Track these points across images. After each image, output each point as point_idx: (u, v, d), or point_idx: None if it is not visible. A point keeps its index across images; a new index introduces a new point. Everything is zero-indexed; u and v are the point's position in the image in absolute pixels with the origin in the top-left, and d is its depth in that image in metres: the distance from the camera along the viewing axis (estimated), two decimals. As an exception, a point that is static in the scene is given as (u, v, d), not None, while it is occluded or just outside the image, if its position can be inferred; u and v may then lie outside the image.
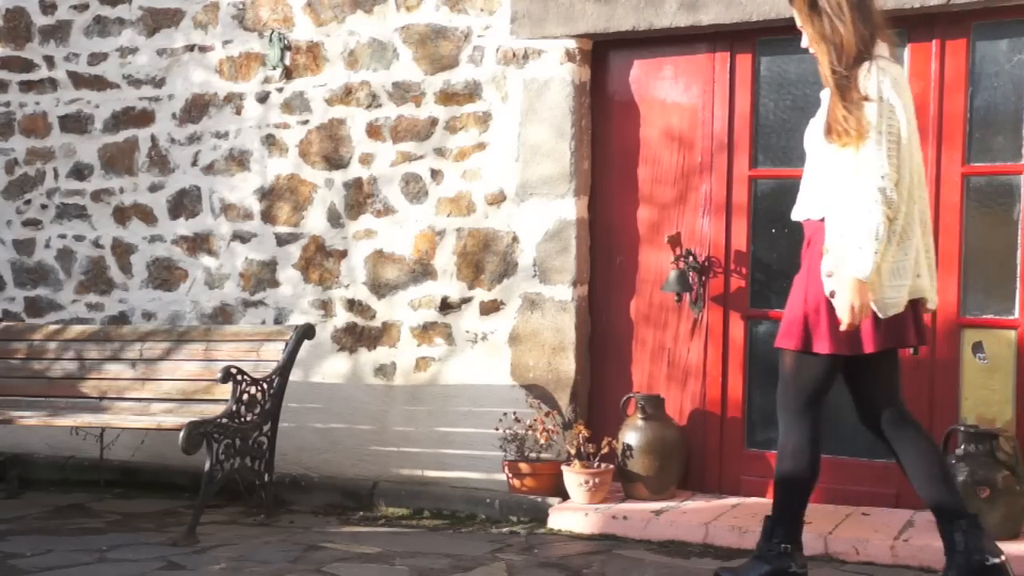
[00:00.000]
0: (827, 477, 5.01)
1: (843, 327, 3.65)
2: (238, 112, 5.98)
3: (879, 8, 3.87)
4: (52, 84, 6.39)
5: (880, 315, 3.68)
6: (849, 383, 3.96)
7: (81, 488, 5.89)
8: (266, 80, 5.91)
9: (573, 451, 5.11)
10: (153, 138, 6.18)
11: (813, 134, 3.87)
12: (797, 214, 3.95)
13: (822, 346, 3.74)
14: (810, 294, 3.77)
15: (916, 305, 3.80)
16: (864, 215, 3.60)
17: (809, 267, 3.82)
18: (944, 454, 3.87)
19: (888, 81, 3.67)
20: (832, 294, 3.69)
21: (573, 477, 5.06)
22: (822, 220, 3.78)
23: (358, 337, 5.72)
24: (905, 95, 3.72)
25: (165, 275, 6.17)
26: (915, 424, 3.88)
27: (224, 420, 4.91)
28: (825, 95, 3.81)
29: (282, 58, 5.86)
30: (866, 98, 3.64)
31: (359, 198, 5.71)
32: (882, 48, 3.79)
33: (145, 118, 6.19)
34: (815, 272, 3.77)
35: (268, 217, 5.93)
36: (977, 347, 4.83)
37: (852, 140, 3.64)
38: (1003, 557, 3.68)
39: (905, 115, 3.67)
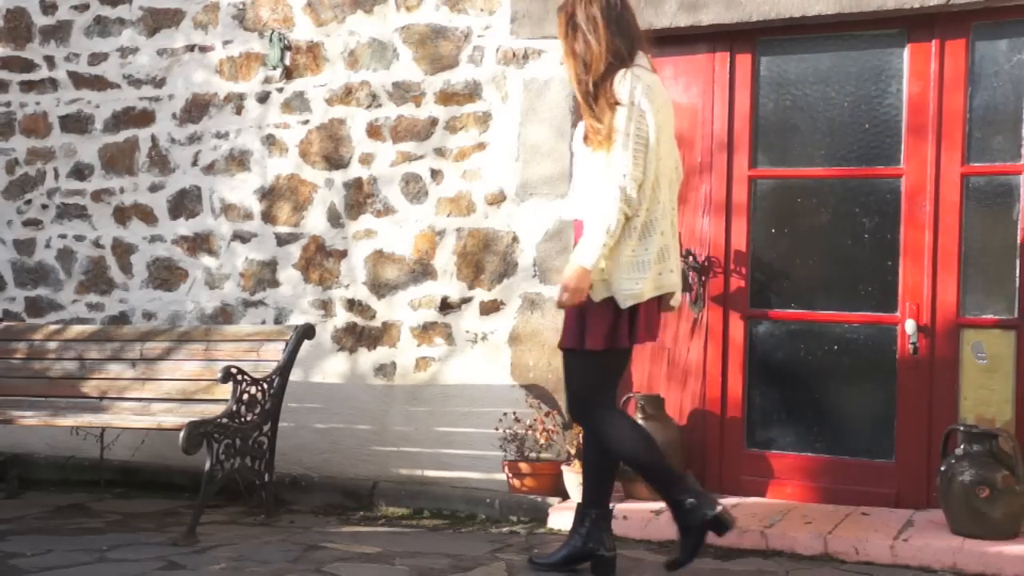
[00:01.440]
0: (827, 477, 5.04)
1: (557, 305, 3.98)
2: (238, 112, 5.98)
3: (637, 23, 4.13)
4: (52, 84, 6.39)
5: (620, 305, 3.93)
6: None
7: (81, 488, 5.90)
8: (266, 80, 5.91)
9: (573, 451, 5.11)
10: (153, 138, 6.18)
11: (578, 139, 4.11)
12: (570, 214, 4.25)
13: (589, 342, 3.96)
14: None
15: (660, 301, 4.07)
16: (602, 210, 3.86)
17: None
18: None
19: (640, 88, 3.90)
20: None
21: (573, 477, 5.05)
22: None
23: (358, 337, 5.72)
24: (658, 101, 3.95)
25: (165, 275, 6.17)
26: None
27: (224, 420, 4.91)
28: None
29: (282, 58, 5.86)
30: (618, 103, 3.88)
31: (359, 198, 5.71)
32: (641, 58, 4.03)
33: (145, 118, 6.20)
34: None
35: (268, 217, 5.93)
36: (977, 347, 4.83)
37: (603, 144, 3.90)
38: (613, 553, 4.06)
39: (656, 120, 3.91)
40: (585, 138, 4.01)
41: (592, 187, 3.96)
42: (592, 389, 4.06)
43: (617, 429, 4.03)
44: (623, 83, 3.90)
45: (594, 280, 3.93)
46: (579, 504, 4.20)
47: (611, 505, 4.21)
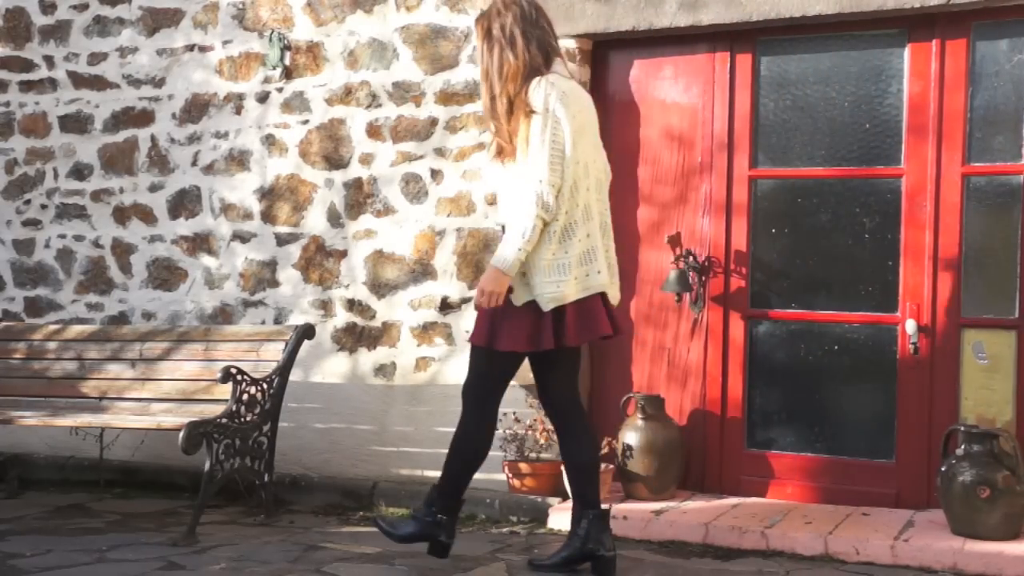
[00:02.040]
0: (827, 477, 5.04)
1: (474, 307, 4.06)
2: (238, 112, 5.98)
3: (553, 31, 4.19)
4: (52, 84, 6.39)
5: (543, 308, 4.00)
6: (534, 366, 4.26)
7: (81, 488, 5.89)
8: (266, 80, 5.91)
9: (573, 451, 5.10)
10: (153, 138, 6.18)
11: (491, 154, 4.21)
12: (498, 218, 4.37)
13: (504, 344, 4.04)
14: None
15: (605, 299, 4.15)
16: (520, 216, 3.95)
17: None
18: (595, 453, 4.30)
19: (555, 94, 3.97)
20: (509, 288, 4.03)
21: (573, 477, 5.05)
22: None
23: (358, 337, 5.72)
24: (575, 107, 4.01)
25: (165, 275, 6.17)
26: (583, 416, 4.29)
27: (224, 420, 4.91)
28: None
29: (282, 58, 5.86)
30: (533, 111, 3.96)
31: (359, 198, 5.71)
32: (558, 65, 4.11)
33: (145, 118, 6.19)
34: None
35: (268, 217, 5.93)
36: (977, 347, 4.82)
37: (515, 155, 4.01)
38: (612, 553, 4.11)
39: (571, 126, 3.97)
40: (497, 154, 4.11)
41: (512, 196, 4.04)
42: (486, 387, 4.18)
43: (477, 429, 4.17)
44: (538, 91, 3.98)
45: (516, 284, 4.02)
46: (575, 506, 4.22)
47: (608, 505, 4.25)
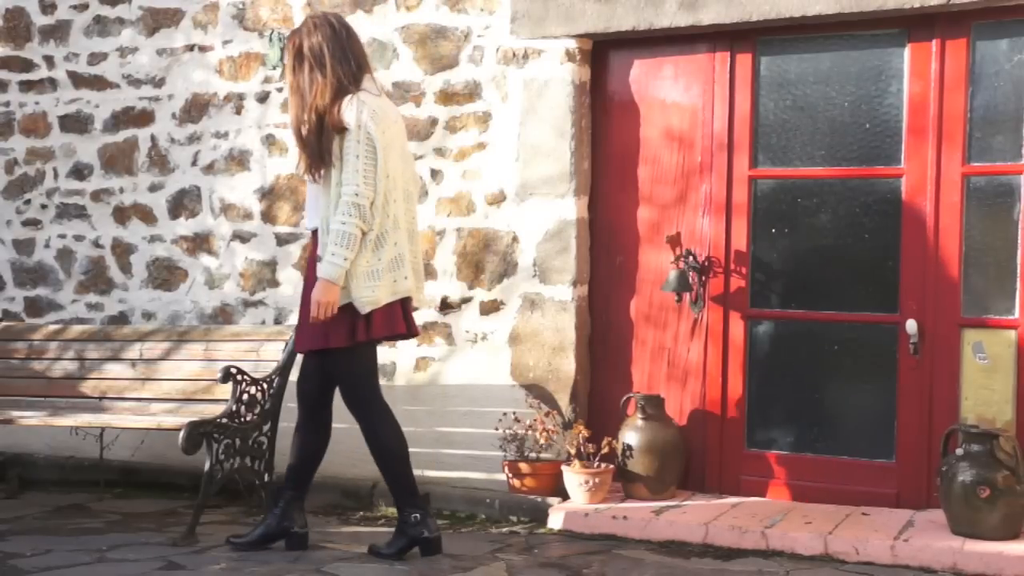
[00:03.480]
0: (827, 477, 5.04)
1: (311, 320, 4.29)
2: (238, 112, 5.98)
3: (362, 49, 4.48)
4: (52, 84, 6.39)
5: (360, 311, 4.29)
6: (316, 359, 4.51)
7: (81, 488, 5.89)
8: (266, 80, 5.91)
9: (573, 451, 5.11)
10: (153, 138, 6.18)
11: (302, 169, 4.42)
12: (307, 224, 4.56)
13: (338, 340, 4.33)
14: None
15: (406, 303, 4.47)
16: (338, 226, 4.22)
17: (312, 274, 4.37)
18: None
19: (367, 112, 4.24)
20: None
21: (573, 477, 5.06)
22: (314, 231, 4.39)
23: (358, 337, 5.71)
24: (384, 123, 4.30)
25: (165, 275, 6.17)
26: (328, 418, 4.61)
27: (224, 420, 4.91)
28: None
29: (282, 58, 5.85)
30: (345, 127, 4.22)
31: (359, 198, 5.70)
32: (367, 82, 4.38)
33: (145, 118, 6.19)
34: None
35: (268, 217, 5.92)
36: (977, 347, 4.82)
37: (330, 171, 4.26)
38: (305, 530, 4.55)
39: (382, 142, 4.25)
40: (307, 168, 4.34)
41: (323, 208, 4.31)
42: (357, 382, 4.45)
43: (384, 425, 4.44)
44: (350, 109, 4.23)
45: None
46: (275, 486, 4.66)
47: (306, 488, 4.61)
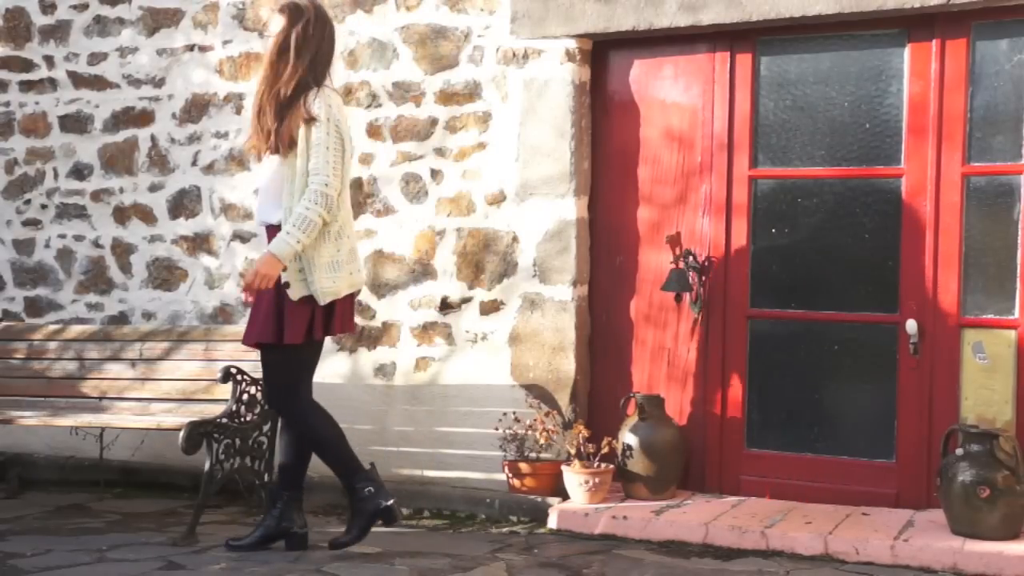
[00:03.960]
0: (827, 477, 5.04)
1: (240, 290, 4.34)
2: (238, 112, 5.98)
3: (333, 47, 4.57)
4: (52, 84, 6.39)
5: (320, 302, 4.35)
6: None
7: (81, 488, 5.89)
8: (266, 80, 5.90)
9: (573, 451, 5.11)
10: (153, 138, 6.18)
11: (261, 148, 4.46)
12: (259, 219, 4.52)
13: (289, 337, 4.35)
14: (276, 295, 4.36)
15: (353, 298, 4.57)
16: (302, 210, 4.27)
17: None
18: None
19: (334, 105, 4.38)
20: (286, 284, 4.33)
21: (573, 477, 5.06)
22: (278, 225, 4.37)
23: (358, 337, 5.72)
24: (343, 120, 4.42)
25: (165, 275, 6.17)
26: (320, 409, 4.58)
27: (224, 420, 4.91)
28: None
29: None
30: (315, 118, 4.31)
31: (359, 198, 5.70)
32: (328, 79, 4.50)
33: (145, 118, 6.19)
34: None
35: (268, 217, 5.92)
36: (977, 347, 4.82)
37: (278, 151, 4.33)
38: (305, 530, 4.55)
39: (344, 137, 4.38)
40: (255, 146, 4.44)
41: (273, 190, 4.39)
42: (293, 380, 4.48)
43: (316, 418, 4.50)
44: (319, 101, 4.33)
45: (293, 280, 4.33)
46: (272, 487, 4.65)
47: (302, 487, 4.61)
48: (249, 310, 5.89)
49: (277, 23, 4.45)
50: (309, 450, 4.59)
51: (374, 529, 4.49)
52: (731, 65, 5.20)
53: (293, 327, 4.35)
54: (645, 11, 5.10)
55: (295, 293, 4.35)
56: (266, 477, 5.18)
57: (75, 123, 6.34)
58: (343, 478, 4.50)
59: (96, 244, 6.31)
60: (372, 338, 5.70)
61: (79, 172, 6.34)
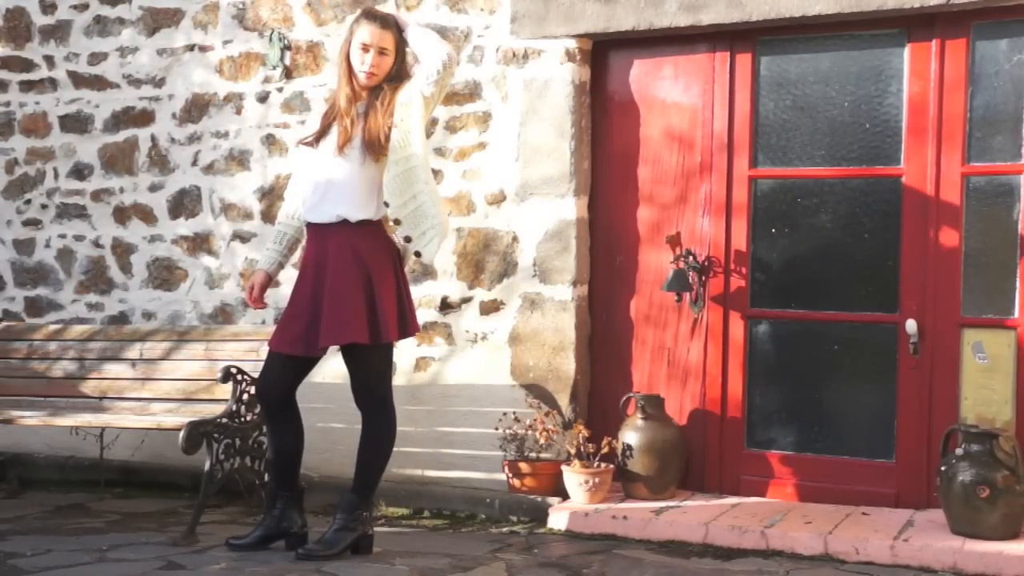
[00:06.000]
0: (827, 477, 5.04)
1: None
2: (238, 112, 5.98)
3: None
4: (52, 84, 6.39)
5: (434, 247, 4.36)
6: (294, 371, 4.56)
7: (81, 488, 5.89)
8: (266, 80, 5.91)
9: (573, 451, 5.11)
10: (153, 138, 6.18)
11: (330, 148, 4.34)
12: (333, 213, 4.32)
13: (391, 335, 4.33)
14: (386, 289, 4.31)
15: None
16: (436, 213, 4.35)
17: (373, 264, 4.30)
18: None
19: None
20: (417, 253, 4.33)
21: (573, 477, 5.06)
22: (360, 223, 4.29)
23: (358, 337, 5.71)
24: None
25: (165, 275, 6.17)
26: (296, 407, 4.56)
27: (224, 420, 4.91)
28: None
29: (282, 58, 5.86)
30: (395, 126, 4.28)
31: (359, 198, 5.70)
32: None
33: (145, 118, 6.19)
34: (380, 267, 4.30)
35: (268, 217, 5.92)
36: (977, 347, 4.83)
37: (376, 149, 4.28)
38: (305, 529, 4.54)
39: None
40: (346, 143, 4.29)
41: (357, 190, 4.29)
42: (391, 377, 4.49)
43: (394, 424, 4.45)
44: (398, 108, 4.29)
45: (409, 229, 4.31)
46: (270, 488, 4.59)
47: (301, 485, 4.60)
48: (249, 309, 5.92)
49: (391, 34, 4.37)
50: (300, 445, 4.56)
51: (375, 529, 4.49)
52: (731, 65, 5.20)
53: (387, 324, 4.29)
54: (645, 11, 5.10)
55: (415, 245, 4.31)
56: (266, 477, 5.18)
57: (75, 123, 6.35)
58: (364, 490, 4.48)
59: (96, 244, 6.31)
60: (372, 338, 5.69)
61: (79, 172, 6.34)
